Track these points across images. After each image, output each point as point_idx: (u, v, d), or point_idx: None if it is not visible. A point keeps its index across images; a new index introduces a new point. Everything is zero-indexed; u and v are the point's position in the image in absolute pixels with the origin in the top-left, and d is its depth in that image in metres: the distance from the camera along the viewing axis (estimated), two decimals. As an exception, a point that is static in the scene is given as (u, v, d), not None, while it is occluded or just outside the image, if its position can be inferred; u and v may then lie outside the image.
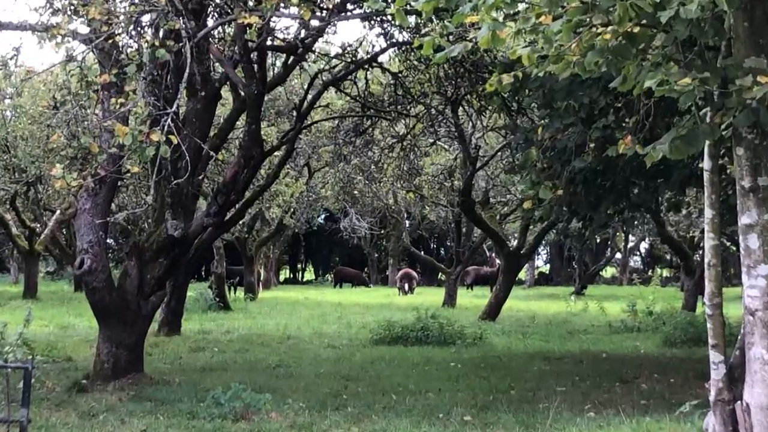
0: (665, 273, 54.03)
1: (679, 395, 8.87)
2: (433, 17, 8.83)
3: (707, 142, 5.57)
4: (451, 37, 8.89)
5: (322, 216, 43.58)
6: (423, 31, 11.26)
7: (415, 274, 36.75)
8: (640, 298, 19.78)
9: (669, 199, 11.53)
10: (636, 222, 23.34)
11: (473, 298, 29.50)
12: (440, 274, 41.34)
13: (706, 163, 5.83)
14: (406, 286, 33.68)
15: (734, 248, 22.31)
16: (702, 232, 15.33)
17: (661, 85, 4.90)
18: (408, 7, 6.29)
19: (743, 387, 5.51)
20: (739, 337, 5.73)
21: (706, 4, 4.77)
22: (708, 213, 5.79)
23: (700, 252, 25.89)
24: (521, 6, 5.37)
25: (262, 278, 34.06)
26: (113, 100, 7.92)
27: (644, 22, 5.06)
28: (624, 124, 8.16)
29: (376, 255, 49.46)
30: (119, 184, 13.16)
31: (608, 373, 10.96)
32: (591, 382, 10.18)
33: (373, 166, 21.07)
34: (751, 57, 5.14)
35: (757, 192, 5.41)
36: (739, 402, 5.52)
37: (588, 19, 5.05)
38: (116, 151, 8.13)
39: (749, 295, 5.43)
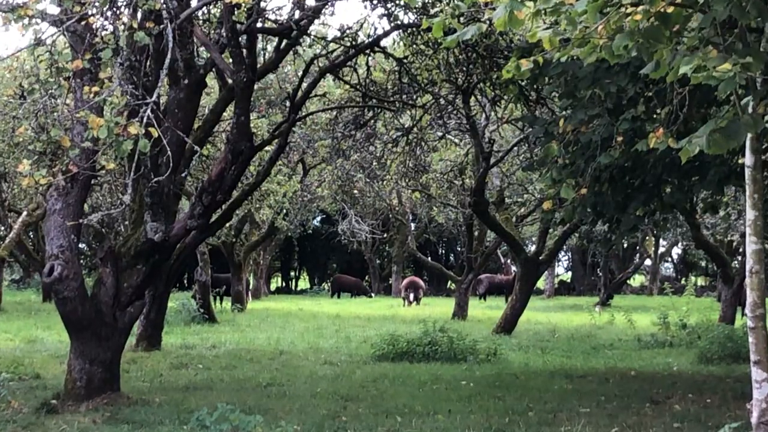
0: (700, 281, 54.10)
1: (717, 417, 8.89)
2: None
3: (749, 135, 5.56)
4: (463, 18, 8.90)
5: (318, 218, 43.65)
6: (432, 12, 11.29)
7: (421, 282, 36.76)
8: (673, 310, 19.77)
9: (705, 199, 11.53)
10: (668, 225, 23.32)
11: (486, 310, 29.52)
12: (450, 282, 41.42)
13: (747, 159, 5.83)
14: (412, 296, 33.70)
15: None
16: (742, 235, 15.32)
17: (697, 71, 4.89)
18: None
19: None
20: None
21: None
22: (750, 214, 5.79)
23: (740, 258, 25.94)
24: (541, -17, 5.37)
25: (251, 287, 34.11)
26: (86, 88, 7.92)
27: (679, 1, 5.05)
28: (655, 116, 8.16)
29: (378, 261, 49.51)
30: (93, 182, 13.18)
31: (637, 392, 10.97)
32: (618, 402, 10.18)
33: (374, 163, 21.10)
34: (798, 40, 5.15)
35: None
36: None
37: (616, -2, 5.05)
38: (90, 145, 8.13)
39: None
